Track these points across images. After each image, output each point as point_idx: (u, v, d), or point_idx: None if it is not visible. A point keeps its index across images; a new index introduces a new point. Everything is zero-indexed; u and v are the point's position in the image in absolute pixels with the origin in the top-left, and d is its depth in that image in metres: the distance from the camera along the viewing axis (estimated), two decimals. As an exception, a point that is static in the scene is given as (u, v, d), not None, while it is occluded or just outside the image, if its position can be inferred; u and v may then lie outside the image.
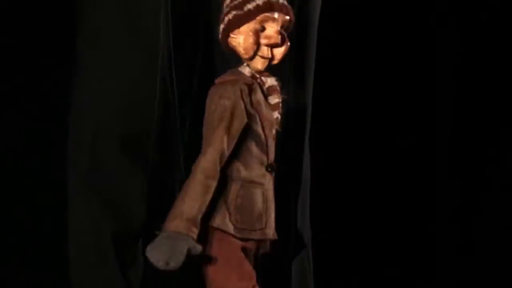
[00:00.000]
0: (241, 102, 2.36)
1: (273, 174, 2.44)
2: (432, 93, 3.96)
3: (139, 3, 2.88)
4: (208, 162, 2.31)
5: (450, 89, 3.95)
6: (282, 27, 2.42)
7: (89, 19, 2.88)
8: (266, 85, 2.44)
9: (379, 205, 3.83)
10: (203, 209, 2.29)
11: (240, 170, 2.38)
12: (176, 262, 2.19)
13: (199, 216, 2.27)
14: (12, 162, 2.87)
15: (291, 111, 3.18)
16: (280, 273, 3.06)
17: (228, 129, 2.33)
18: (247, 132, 2.38)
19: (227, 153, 2.34)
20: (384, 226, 3.83)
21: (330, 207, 3.66)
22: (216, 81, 2.43)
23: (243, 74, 2.43)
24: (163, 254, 2.19)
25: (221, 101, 2.35)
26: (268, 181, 2.42)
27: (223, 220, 2.36)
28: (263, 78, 2.44)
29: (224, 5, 2.45)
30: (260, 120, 2.40)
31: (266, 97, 2.44)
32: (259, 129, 2.40)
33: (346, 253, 3.74)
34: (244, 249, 2.39)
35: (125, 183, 2.83)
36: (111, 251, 2.78)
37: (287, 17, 2.42)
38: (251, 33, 2.38)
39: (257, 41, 2.39)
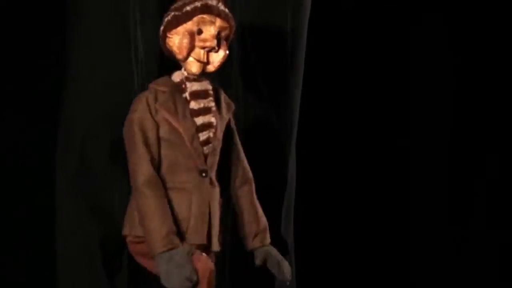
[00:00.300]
0: (147, 110, 2.40)
1: (208, 178, 2.44)
2: (424, 99, 3.98)
3: (129, 7, 2.88)
4: (145, 175, 2.36)
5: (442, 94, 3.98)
6: (220, 32, 2.44)
7: (79, 23, 2.89)
8: (188, 91, 2.45)
9: (364, 212, 3.85)
10: (170, 216, 2.34)
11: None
12: (194, 273, 2.26)
13: (172, 224, 2.33)
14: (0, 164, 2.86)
15: (279, 119, 3.22)
16: (263, 279, 3.05)
17: (144, 139, 2.38)
18: (161, 141, 2.41)
19: (157, 160, 2.39)
20: (369, 233, 3.85)
21: (313, 214, 3.68)
22: None
23: (166, 80, 2.48)
24: (180, 276, 2.25)
25: (129, 115, 2.43)
26: (199, 186, 2.43)
27: (140, 228, 2.40)
28: (188, 83, 2.46)
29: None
30: (175, 127, 2.41)
31: (189, 103, 2.45)
32: (175, 137, 2.41)
33: (329, 259, 3.75)
34: None
35: (113, 187, 2.83)
36: (98, 255, 2.79)
37: (226, 24, 2.45)
38: (186, 33, 2.42)
39: (192, 42, 2.42)
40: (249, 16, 3.10)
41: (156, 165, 2.38)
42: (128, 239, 2.45)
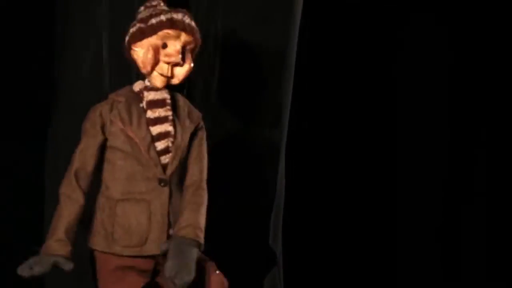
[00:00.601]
0: (98, 121, 2.39)
1: (167, 187, 2.39)
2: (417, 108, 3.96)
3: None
4: (66, 183, 2.38)
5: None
6: (184, 46, 2.40)
7: (68, 32, 2.89)
8: (145, 100, 2.42)
9: (352, 222, 3.84)
10: (70, 226, 2.35)
11: (115, 188, 2.39)
12: (40, 268, 2.30)
13: (69, 234, 2.34)
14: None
15: (268, 127, 3.21)
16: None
17: (84, 149, 2.38)
18: (115, 150, 2.39)
19: (87, 170, 2.38)
20: (357, 241, 3.83)
21: (301, 222, 3.67)
22: None
23: (126, 90, 2.45)
24: (28, 263, 2.30)
25: (83, 123, 2.42)
26: (158, 196, 2.39)
27: (96, 240, 2.40)
28: (145, 93, 2.42)
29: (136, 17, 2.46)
30: (131, 137, 2.38)
31: (145, 112, 2.41)
32: (132, 147, 2.38)
33: (318, 268, 3.75)
34: (130, 267, 2.39)
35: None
36: (87, 263, 2.78)
37: (191, 37, 2.41)
38: (150, 48, 2.38)
39: (156, 57, 2.39)
40: (238, 24, 3.09)
41: (86, 174, 2.39)
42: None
